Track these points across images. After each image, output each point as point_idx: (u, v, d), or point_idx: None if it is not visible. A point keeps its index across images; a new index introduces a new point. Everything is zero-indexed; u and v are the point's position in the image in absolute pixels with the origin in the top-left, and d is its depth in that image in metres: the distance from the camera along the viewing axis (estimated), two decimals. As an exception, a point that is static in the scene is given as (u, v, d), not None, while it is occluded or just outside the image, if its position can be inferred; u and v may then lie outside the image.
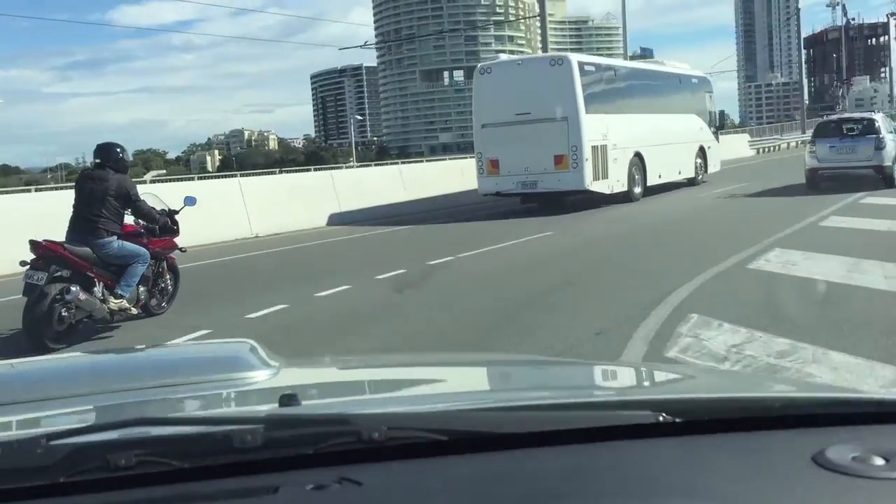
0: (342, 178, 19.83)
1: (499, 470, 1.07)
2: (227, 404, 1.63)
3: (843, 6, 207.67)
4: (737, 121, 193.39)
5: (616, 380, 1.99)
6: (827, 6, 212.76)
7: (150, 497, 1.03)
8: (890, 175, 17.29)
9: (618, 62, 22.13)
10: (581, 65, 17.56)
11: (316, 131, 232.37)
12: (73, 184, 8.12)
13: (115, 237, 7.04)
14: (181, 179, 28.39)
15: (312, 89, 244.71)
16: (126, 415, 1.40)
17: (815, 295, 6.95)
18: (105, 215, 6.99)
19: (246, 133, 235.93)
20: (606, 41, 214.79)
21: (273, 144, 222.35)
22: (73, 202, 7.17)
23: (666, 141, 20.25)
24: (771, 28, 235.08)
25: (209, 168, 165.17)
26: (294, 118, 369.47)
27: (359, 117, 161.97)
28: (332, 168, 26.59)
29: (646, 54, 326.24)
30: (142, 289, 7.38)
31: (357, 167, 33.73)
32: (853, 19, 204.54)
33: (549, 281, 8.64)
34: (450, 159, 30.16)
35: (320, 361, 2.64)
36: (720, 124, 27.16)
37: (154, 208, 7.55)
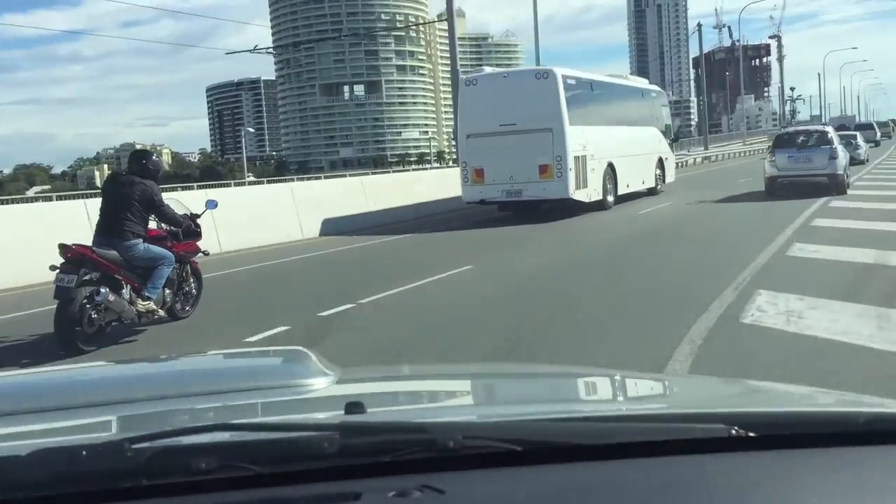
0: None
1: (582, 482, 1.08)
2: (294, 411, 1.63)
3: (729, 28, 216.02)
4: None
5: (682, 391, 1.93)
6: (714, 28, 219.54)
7: (231, 502, 1.06)
8: (842, 183, 18.82)
9: (593, 76, 22.70)
10: (564, 78, 18.21)
11: (212, 145, 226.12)
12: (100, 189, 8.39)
13: (140, 240, 7.20)
14: (67, 196, 26.08)
15: (208, 102, 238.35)
16: (198, 420, 1.51)
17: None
18: (131, 218, 7.16)
19: (137, 146, 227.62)
20: (506, 57, 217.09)
21: (166, 158, 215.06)
22: (99, 206, 7.40)
23: (632, 152, 21.25)
24: (662, 48, 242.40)
25: (97, 183, 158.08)
26: (190, 132, 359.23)
27: (251, 130, 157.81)
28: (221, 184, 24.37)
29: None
30: (167, 292, 7.53)
31: (250, 183, 31.54)
32: (738, 41, 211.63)
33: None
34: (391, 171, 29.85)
35: (375, 370, 2.66)
36: (675, 137, 28.39)
37: (177, 213, 7.67)
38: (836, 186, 18.61)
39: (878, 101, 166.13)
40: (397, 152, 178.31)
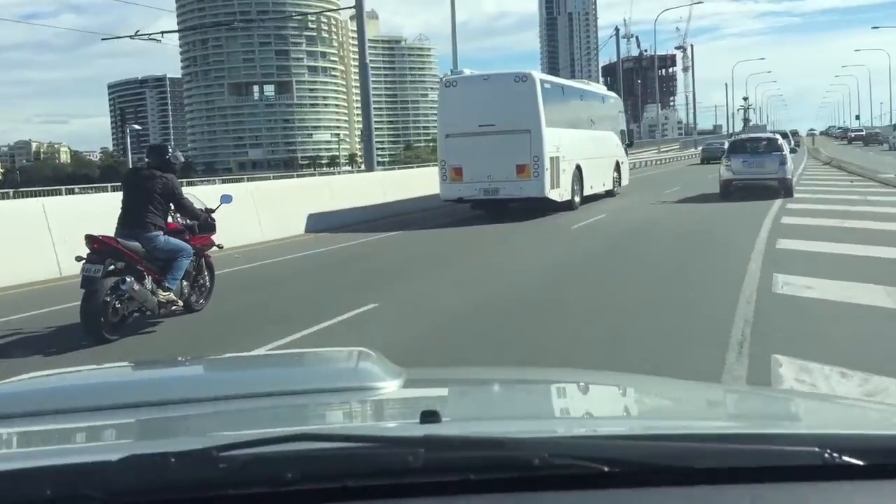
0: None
1: None
2: (370, 418, 1.64)
3: (637, 38, 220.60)
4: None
5: (768, 407, 1.79)
6: (622, 37, 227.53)
7: None
8: (790, 186, 20.28)
9: (564, 81, 23.99)
10: (542, 82, 19.02)
11: (114, 145, 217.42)
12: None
13: (161, 232, 7.40)
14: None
15: (110, 100, 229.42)
16: (277, 425, 1.51)
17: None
18: (153, 211, 7.38)
19: (34, 145, 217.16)
20: (419, 61, 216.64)
21: (65, 157, 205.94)
22: (122, 198, 7.60)
23: (596, 155, 22.17)
24: (573, 56, 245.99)
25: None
26: (91, 130, 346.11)
27: (137, 127, 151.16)
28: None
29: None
30: (184, 284, 7.69)
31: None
32: (646, 51, 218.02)
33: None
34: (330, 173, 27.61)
35: (442, 373, 2.61)
36: (630, 142, 29.51)
37: (195, 207, 7.87)
38: (785, 189, 19.98)
39: (778, 112, 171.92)
40: (308, 154, 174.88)
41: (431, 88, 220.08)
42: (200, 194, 9.14)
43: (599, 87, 27.24)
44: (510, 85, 18.86)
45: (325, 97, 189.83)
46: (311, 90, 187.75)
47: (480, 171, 18.37)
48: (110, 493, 1.03)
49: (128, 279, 6.94)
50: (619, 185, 24.82)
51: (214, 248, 8.47)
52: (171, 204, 7.65)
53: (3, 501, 1.05)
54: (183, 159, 8.69)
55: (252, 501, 1.05)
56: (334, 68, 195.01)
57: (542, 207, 18.35)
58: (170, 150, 8.02)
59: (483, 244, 13.90)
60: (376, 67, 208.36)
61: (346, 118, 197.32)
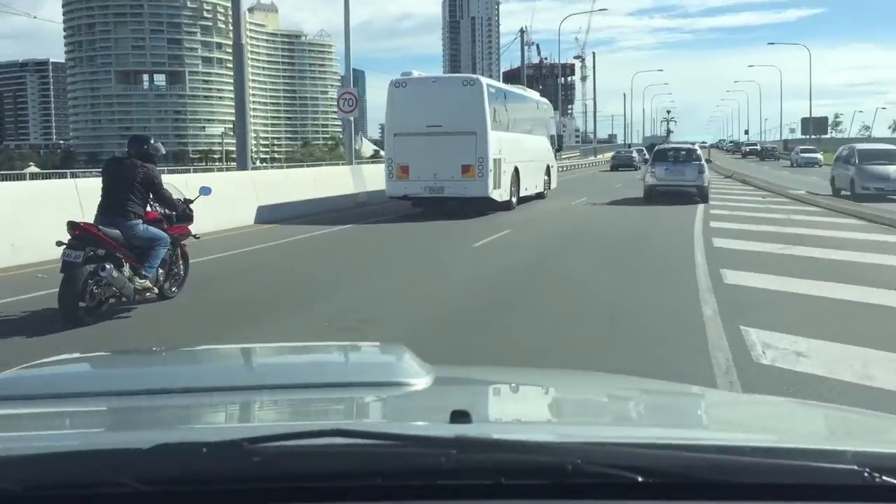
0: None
1: None
2: (400, 415, 1.64)
3: (537, 46, 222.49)
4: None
5: (800, 419, 1.72)
6: (524, 44, 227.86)
7: None
8: (706, 193, 22.10)
9: (506, 86, 24.95)
10: (488, 86, 19.95)
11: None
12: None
13: (140, 220, 7.76)
14: None
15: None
16: (307, 417, 1.56)
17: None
18: (133, 200, 7.73)
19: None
20: (319, 58, 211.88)
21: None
22: (101, 187, 7.90)
23: (531, 158, 23.25)
24: (475, 60, 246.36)
25: None
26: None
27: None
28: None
29: (358, 75, 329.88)
30: (160, 272, 8.08)
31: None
32: (546, 58, 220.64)
33: None
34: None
35: (470, 372, 2.53)
36: (559, 147, 30.73)
37: (174, 197, 8.20)
38: (701, 196, 21.77)
39: (670, 124, 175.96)
40: (200, 148, 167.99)
41: (331, 85, 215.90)
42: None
43: (534, 94, 28.44)
44: (458, 88, 19.77)
45: (219, 90, 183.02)
46: (206, 82, 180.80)
47: (427, 169, 18.92)
48: (140, 480, 1.04)
49: (107, 266, 7.20)
50: (549, 187, 25.94)
51: (191, 238, 8.73)
52: (150, 193, 7.88)
53: (33, 483, 1.06)
54: (164, 151, 8.69)
55: (279, 495, 1.05)
56: (230, 60, 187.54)
57: (482, 207, 19.04)
58: (151, 141, 8.18)
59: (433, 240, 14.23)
60: (275, 61, 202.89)
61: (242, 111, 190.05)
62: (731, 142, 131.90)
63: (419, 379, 1.65)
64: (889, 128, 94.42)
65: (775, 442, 1.31)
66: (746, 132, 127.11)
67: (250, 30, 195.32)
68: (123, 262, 7.48)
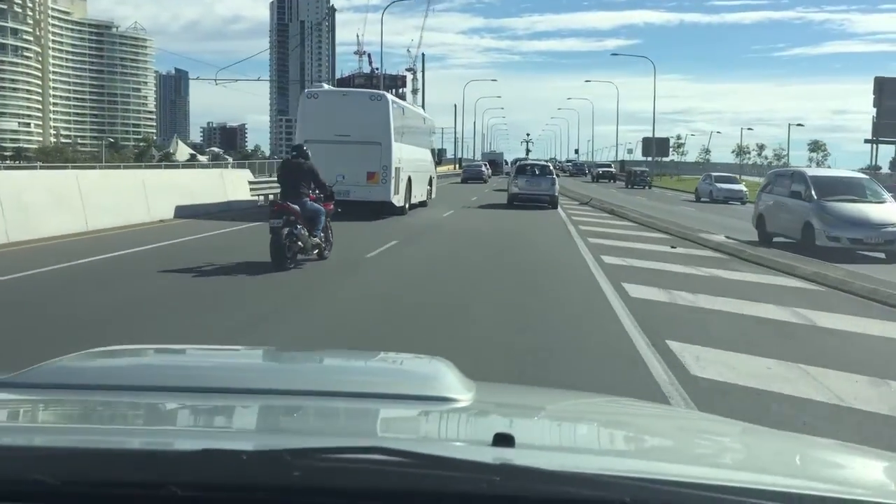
0: None
1: None
2: (442, 434, 1.64)
3: (369, 55, 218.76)
4: (267, 153, 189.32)
5: (845, 463, 1.63)
6: (354, 53, 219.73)
7: None
8: (557, 200, 29.37)
9: (403, 102, 27.59)
10: (392, 102, 22.80)
11: None
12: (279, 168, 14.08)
13: (308, 199, 11.95)
14: None
15: None
16: (346, 429, 1.59)
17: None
18: (304, 185, 12.01)
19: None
20: (132, 52, 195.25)
21: None
22: (279, 178, 12.71)
23: (420, 169, 26.49)
24: (303, 65, 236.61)
25: None
26: None
27: None
28: None
29: (181, 75, 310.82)
30: (322, 235, 12.29)
31: None
32: (377, 68, 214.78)
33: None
34: None
35: (512, 390, 2.63)
36: (439, 160, 33.80)
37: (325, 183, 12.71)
38: (552, 203, 28.63)
39: (499, 142, 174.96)
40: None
41: (145, 83, 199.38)
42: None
43: (421, 110, 32.07)
44: (366, 102, 22.24)
45: (13, 80, 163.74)
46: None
47: (333, 175, 19.21)
48: (180, 484, 1.06)
49: (298, 226, 11.42)
50: (431, 196, 29.17)
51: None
52: (312, 181, 12.21)
53: (72, 479, 1.08)
54: (310, 154, 12.84)
55: None
56: (27, 48, 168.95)
57: (379, 210, 21.47)
58: (304, 146, 12.88)
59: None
60: (82, 52, 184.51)
61: (40, 105, 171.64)
62: (569, 162, 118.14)
63: (461, 395, 1.64)
64: (701, 154, 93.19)
65: (836, 492, 1.25)
66: (576, 151, 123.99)
67: (53, 17, 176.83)
68: (302, 226, 11.56)
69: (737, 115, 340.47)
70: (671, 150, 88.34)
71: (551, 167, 32.16)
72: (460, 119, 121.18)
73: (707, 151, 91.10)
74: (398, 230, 18.24)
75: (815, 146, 69.41)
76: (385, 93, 22.92)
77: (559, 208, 27.88)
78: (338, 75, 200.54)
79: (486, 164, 69.76)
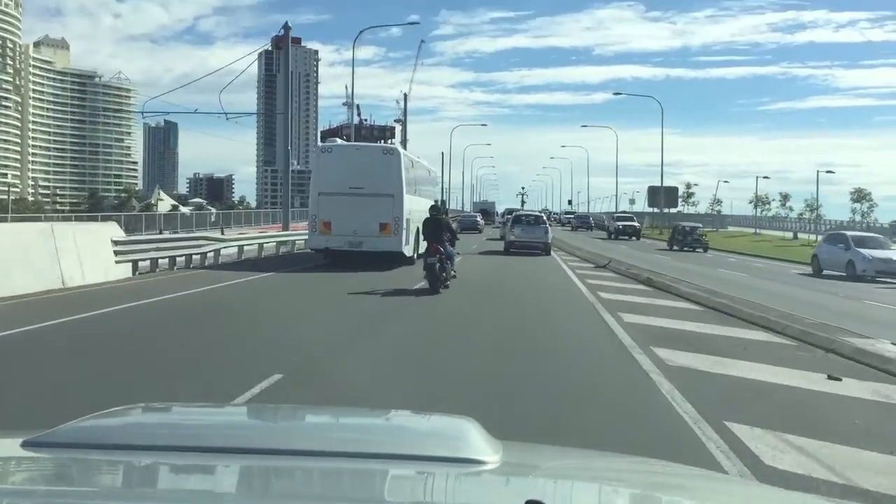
0: None
1: None
2: (470, 498, 1.62)
3: (358, 107, 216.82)
4: (253, 204, 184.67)
5: None
6: (343, 104, 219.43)
7: None
8: (549, 247, 31.61)
9: (411, 155, 27.79)
10: (403, 155, 23.94)
11: None
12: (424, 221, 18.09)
13: (448, 243, 16.80)
14: None
15: None
16: (377, 493, 1.58)
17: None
18: (445, 234, 16.87)
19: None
20: (116, 102, 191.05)
21: None
22: (426, 230, 17.21)
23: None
24: (290, 115, 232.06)
25: None
26: None
27: None
28: None
29: (170, 127, 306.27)
30: (453, 269, 16.93)
31: None
32: (366, 120, 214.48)
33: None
34: None
35: (540, 451, 2.48)
36: (444, 211, 34.49)
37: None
38: (545, 250, 31.17)
39: (488, 192, 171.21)
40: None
41: (128, 133, 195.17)
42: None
43: (427, 163, 32.13)
44: (379, 155, 23.32)
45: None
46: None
47: (347, 226, 21.68)
48: None
49: (447, 264, 16.24)
50: None
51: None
52: (448, 231, 17.22)
53: None
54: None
55: None
56: (6, 97, 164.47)
57: (391, 260, 22.09)
58: (442, 202, 23.96)
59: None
60: (63, 102, 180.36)
61: (19, 155, 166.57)
62: (569, 214, 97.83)
63: (489, 457, 1.63)
64: (713, 205, 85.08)
65: None
66: (569, 202, 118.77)
67: (35, 66, 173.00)
68: (446, 262, 16.31)
69: (722, 168, 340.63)
70: (679, 199, 76.63)
71: (544, 217, 35.65)
72: (448, 168, 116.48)
73: (718, 202, 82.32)
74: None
75: (860, 195, 62.99)
76: (397, 146, 24.42)
77: (572, 274, 22.85)
78: (325, 126, 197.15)
79: (479, 215, 69.77)
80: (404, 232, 22.08)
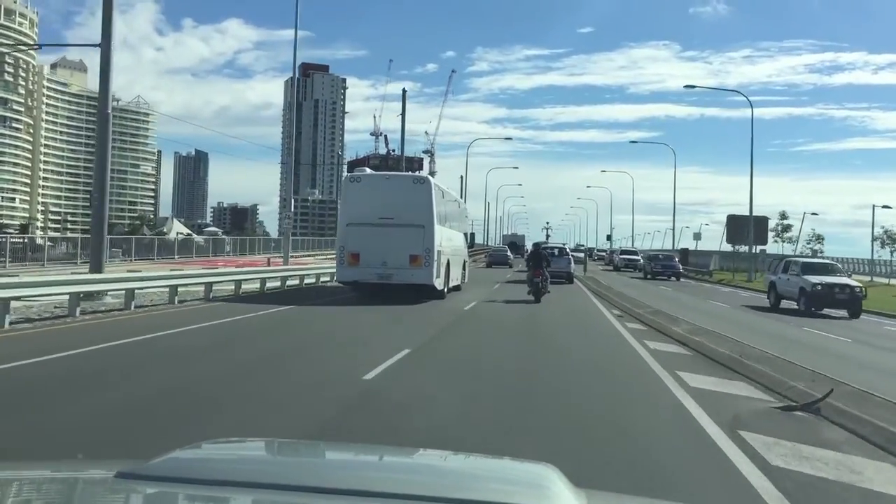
0: None
1: None
2: None
3: (385, 137, 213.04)
4: (273, 234, 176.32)
5: None
6: (371, 135, 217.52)
7: None
8: (572, 276, 36.62)
9: (442, 186, 26.33)
10: (435, 185, 22.99)
11: None
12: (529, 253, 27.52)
13: (546, 267, 24.99)
14: None
15: None
16: None
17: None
18: (543, 262, 24.33)
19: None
20: (134, 127, 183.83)
21: None
22: (530, 259, 25.18)
23: (457, 252, 26.88)
24: (316, 144, 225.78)
25: None
26: None
27: None
28: None
29: (200, 157, 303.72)
30: (548, 288, 25.18)
31: None
32: (394, 150, 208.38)
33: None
34: None
35: (623, 500, 2.47)
36: (471, 244, 34.83)
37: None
38: (567, 278, 35.80)
39: (518, 226, 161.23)
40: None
41: (145, 159, 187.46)
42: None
43: (455, 194, 32.71)
44: (409, 185, 22.45)
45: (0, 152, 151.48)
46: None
47: (376, 258, 20.91)
48: None
49: (546, 280, 23.99)
50: (464, 280, 29.10)
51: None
52: (546, 261, 24.63)
53: None
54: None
55: None
56: (17, 119, 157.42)
57: (421, 293, 21.63)
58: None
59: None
60: (77, 127, 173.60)
61: (29, 179, 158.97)
62: (625, 252, 71.28)
63: None
64: (811, 243, 59.94)
65: None
66: (609, 237, 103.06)
67: (49, 87, 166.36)
68: (545, 281, 24.18)
69: (757, 207, 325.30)
70: (770, 233, 55.60)
71: (567, 249, 42.44)
72: (483, 204, 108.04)
73: (818, 239, 56.54)
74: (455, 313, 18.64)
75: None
76: (427, 176, 24.03)
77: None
78: (350, 157, 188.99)
79: (508, 250, 70.11)
80: (435, 264, 21.67)
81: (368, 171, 23.29)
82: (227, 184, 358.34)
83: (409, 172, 29.40)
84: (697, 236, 74.05)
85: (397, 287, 20.85)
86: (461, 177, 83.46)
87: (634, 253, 63.46)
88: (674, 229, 74.21)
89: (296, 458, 2.19)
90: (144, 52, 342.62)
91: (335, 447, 2.91)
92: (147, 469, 1.72)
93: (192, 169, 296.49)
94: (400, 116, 57.70)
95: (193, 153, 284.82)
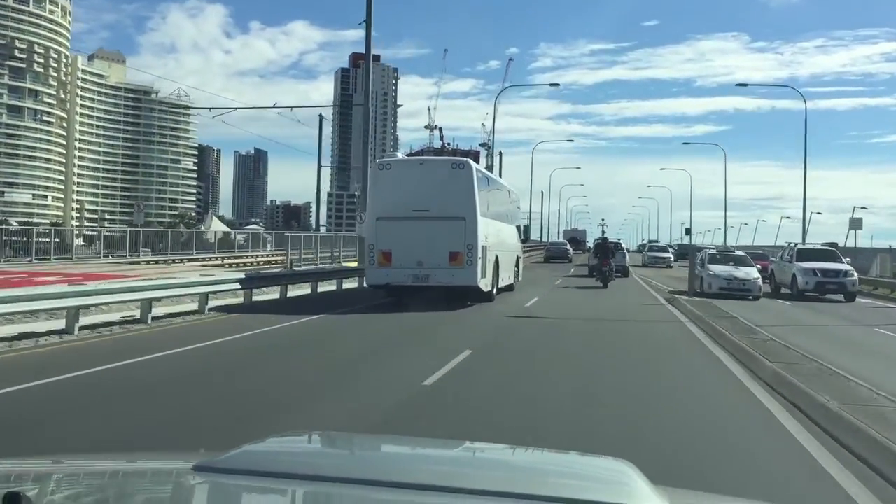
0: None
1: None
2: None
3: (440, 129, 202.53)
4: (323, 230, 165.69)
5: None
6: (425, 128, 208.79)
7: None
8: (627, 270, 38.24)
9: (487, 172, 24.77)
10: (476, 170, 19.90)
11: None
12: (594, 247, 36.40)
13: (610, 259, 31.13)
14: None
15: None
16: None
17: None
18: (609, 253, 30.17)
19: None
20: (173, 121, 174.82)
21: None
22: (597, 249, 32.40)
23: (508, 248, 23.38)
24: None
25: None
26: None
27: None
28: None
29: (260, 156, 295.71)
30: (617, 274, 32.74)
31: None
32: (449, 143, 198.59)
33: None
34: None
35: (710, 500, 2.37)
36: (524, 238, 34.57)
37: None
38: (623, 272, 35.92)
39: (581, 223, 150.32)
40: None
41: (185, 154, 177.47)
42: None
43: (505, 181, 28.61)
44: (447, 171, 19.14)
45: (30, 147, 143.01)
46: (11, 135, 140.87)
47: (410, 256, 18.25)
48: None
49: (613, 267, 29.84)
50: (518, 279, 25.65)
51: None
52: (612, 252, 31.11)
53: None
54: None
55: None
56: (49, 112, 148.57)
57: (465, 297, 18.89)
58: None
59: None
60: (115, 120, 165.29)
61: (62, 175, 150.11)
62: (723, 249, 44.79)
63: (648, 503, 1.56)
64: None
65: None
66: (688, 231, 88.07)
67: (85, 79, 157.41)
68: (611, 269, 29.94)
69: (832, 202, 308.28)
70: None
71: (622, 244, 44.22)
72: (544, 202, 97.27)
73: None
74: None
75: None
76: (468, 160, 20.01)
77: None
78: (406, 150, 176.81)
79: (568, 244, 66.95)
80: (479, 262, 18.53)
81: (400, 155, 20.61)
82: (284, 183, 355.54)
83: (448, 157, 25.39)
84: (856, 223, 45.34)
85: (434, 290, 18.50)
86: (530, 181, 76.72)
87: (664, 249, 60.59)
88: (691, 232, 64.63)
89: (360, 451, 2.19)
90: (214, 54, 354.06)
91: (400, 441, 2.79)
92: (222, 462, 1.77)
93: (252, 167, 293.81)
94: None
95: (253, 152, 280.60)
